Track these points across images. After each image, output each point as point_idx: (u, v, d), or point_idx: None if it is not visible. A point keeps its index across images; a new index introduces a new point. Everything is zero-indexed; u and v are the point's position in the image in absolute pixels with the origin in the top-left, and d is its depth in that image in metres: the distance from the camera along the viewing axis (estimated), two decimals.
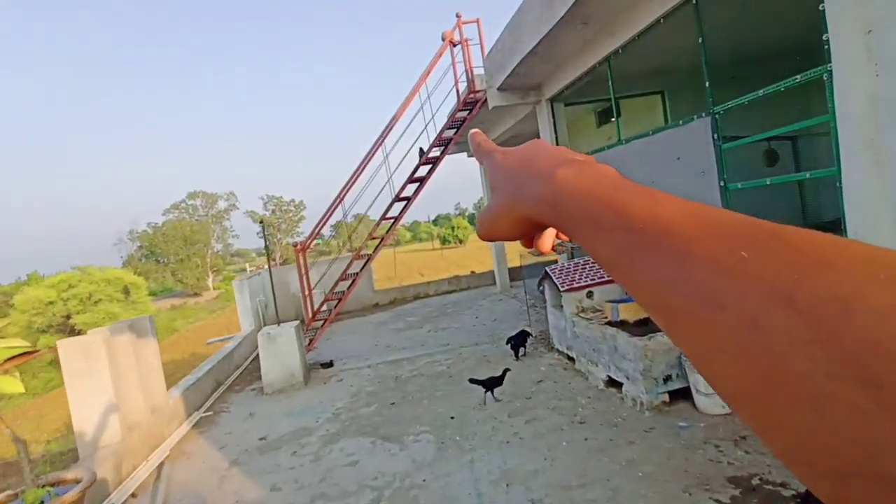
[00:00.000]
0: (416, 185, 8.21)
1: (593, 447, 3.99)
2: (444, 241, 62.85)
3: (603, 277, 5.98)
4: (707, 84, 4.16)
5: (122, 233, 66.68)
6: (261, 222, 6.86)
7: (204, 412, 6.34)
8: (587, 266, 6.17)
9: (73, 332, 36.20)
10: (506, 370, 5.46)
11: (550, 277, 6.15)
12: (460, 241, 62.34)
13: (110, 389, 4.73)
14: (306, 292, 7.88)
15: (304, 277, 8.10)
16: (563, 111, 7.69)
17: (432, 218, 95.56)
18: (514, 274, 12.55)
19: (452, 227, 64.20)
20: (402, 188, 8.14)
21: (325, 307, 8.06)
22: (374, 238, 8.15)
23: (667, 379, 4.46)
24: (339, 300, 7.83)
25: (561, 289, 5.90)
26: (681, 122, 4.56)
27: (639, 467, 3.62)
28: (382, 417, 5.28)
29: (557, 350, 6.44)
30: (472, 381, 5.46)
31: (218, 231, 67.10)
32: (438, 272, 40.98)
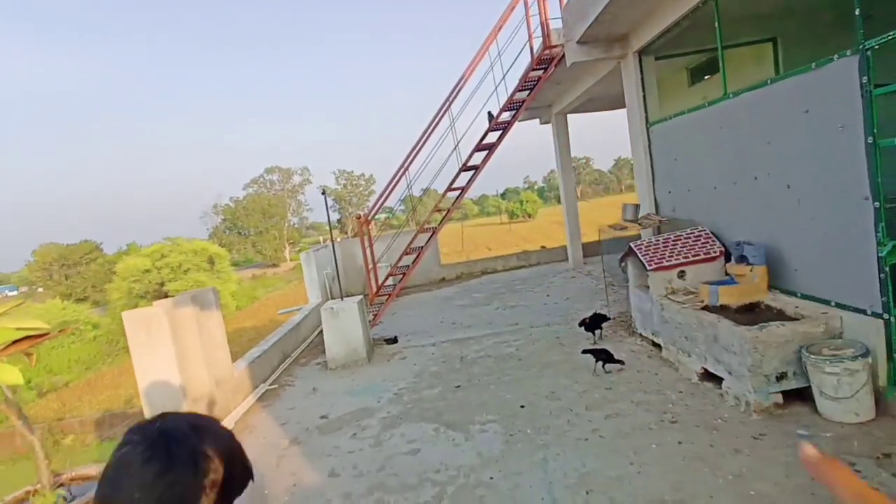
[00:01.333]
0: (485, 152, 7.67)
1: (689, 453, 3.40)
2: (512, 215, 61.70)
3: (698, 255, 5.23)
4: (857, 11, 3.28)
5: (207, 206, 71.21)
6: (323, 192, 6.61)
7: (270, 385, 6.32)
8: (678, 242, 5.42)
9: (167, 297, 39.28)
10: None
11: (635, 254, 5.46)
12: (529, 216, 60.97)
13: (173, 362, 4.71)
14: (370, 266, 7.65)
15: (369, 250, 7.87)
16: (653, 66, 6.79)
17: (500, 191, 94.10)
18: (589, 249, 11.78)
19: (521, 201, 62.82)
20: (470, 156, 7.64)
21: (389, 282, 7.82)
22: (439, 210, 7.75)
23: (780, 377, 3.74)
24: (404, 275, 7.54)
25: (648, 267, 5.22)
26: (813, 65, 3.70)
27: (749, 484, 3.01)
28: (446, 402, 4.94)
29: (640, 335, 5.79)
30: (586, 351, 5.29)
31: (293, 205, 70.08)
32: (506, 247, 40.27)
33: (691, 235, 5.47)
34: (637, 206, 6.43)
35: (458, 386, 5.31)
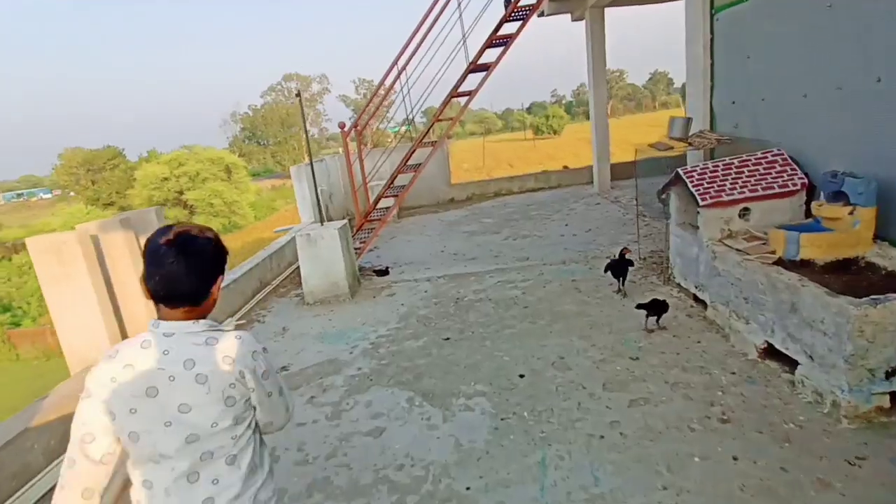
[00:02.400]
0: (500, 48, 6.11)
1: (751, 481, 2.35)
2: (537, 130, 58.57)
3: (770, 187, 3.88)
4: None
5: (226, 114, 69.34)
6: (298, 94, 5.31)
7: (237, 320, 5.43)
8: (744, 169, 4.05)
9: (186, 206, 39.15)
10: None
11: (684, 183, 4.14)
12: (554, 132, 57.84)
13: (93, 297, 3.75)
14: (357, 186, 6.46)
15: (360, 165, 6.64)
16: None
17: (526, 105, 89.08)
18: (617, 172, 10.30)
19: (547, 116, 59.36)
20: (480, 52, 6.09)
21: (384, 204, 6.65)
22: (440, 120, 6.35)
23: (891, 373, 2.58)
24: (397, 196, 6.34)
25: (700, 201, 3.92)
26: None
27: None
28: (430, 360, 3.94)
29: (679, 285, 4.60)
30: (607, 267, 4.82)
31: (312, 115, 67.70)
32: (529, 165, 38.28)
33: (762, 161, 4.09)
34: (689, 121, 4.99)
35: (448, 338, 4.29)
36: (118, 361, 1.17)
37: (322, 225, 5.82)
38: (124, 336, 3.94)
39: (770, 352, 3.26)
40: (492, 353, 3.91)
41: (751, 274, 3.40)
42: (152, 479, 1.19)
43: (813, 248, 3.30)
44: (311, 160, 6.03)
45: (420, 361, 3.93)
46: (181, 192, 38.95)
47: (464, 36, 5.93)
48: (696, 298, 4.29)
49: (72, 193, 55.69)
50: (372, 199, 6.64)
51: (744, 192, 3.91)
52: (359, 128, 6.64)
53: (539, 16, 9.69)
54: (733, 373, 3.21)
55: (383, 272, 6.37)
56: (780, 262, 3.36)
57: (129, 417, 1.15)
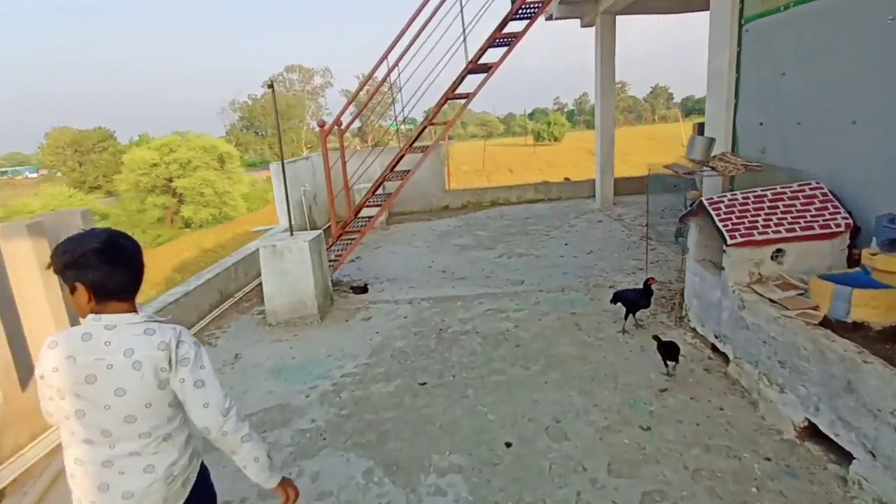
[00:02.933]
0: (503, 48, 5.50)
1: None
2: (538, 136, 58.15)
3: (810, 227, 3.30)
4: None
5: (225, 103, 68.45)
6: (270, 86, 4.68)
7: None
8: (778, 203, 3.47)
9: (175, 194, 38.31)
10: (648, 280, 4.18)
11: (708, 215, 3.55)
12: (555, 139, 57.50)
13: None
14: (336, 193, 5.83)
15: (343, 167, 6.00)
16: None
17: (529, 111, 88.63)
18: (620, 187, 9.73)
19: (549, 123, 58.96)
20: (482, 52, 5.49)
21: (364, 213, 6.02)
22: (432, 124, 5.73)
23: None
24: (382, 205, 5.71)
25: (728, 239, 3.33)
26: None
27: None
28: (399, 413, 3.32)
29: (694, 330, 4.02)
30: (615, 297, 4.36)
31: (313, 108, 66.89)
32: (528, 170, 37.80)
33: (798, 195, 3.51)
34: (711, 141, 4.40)
35: (424, 383, 3.67)
36: (59, 352, 1.31)
37: (291, 235, 5.19)
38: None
39: (812, 432, 2.68)
40: (474, 408, 3.29)
41: (790, 334, 2.81)
42: (88, 457, 1.35)
43: (868, 308, 2.72)
44: (282, 159, 5.40)
45: (388, 414, 3.30)
46: (170, 180, 38.02)
47: (464, 32, 5.32)
48: (714, 349, 3.70)
49: (58, 174, 54.55)
50: (357, 204, 6.01)
51: (779, 231, 3.32)
52: (342, 126, 6.00)
53: (547, 19, 9.12)
54: (768, 458, 2.61)
55: (361, 289, 5.74)
56: (825, 323, 2.77)
57: (75, 399, 1.31)
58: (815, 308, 2.90)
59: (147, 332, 1.34)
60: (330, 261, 5.76)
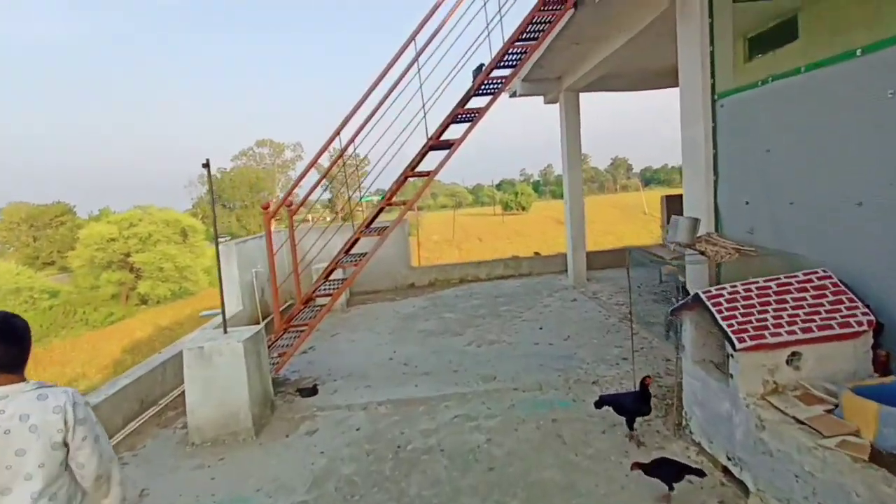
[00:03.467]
0: (466, 123, 5.16)
1: None
2: (506, 206, 59.41)
3: (826, 327, 2.80)
4: None
5: (193, 175, 68.06)
6: (205, 165, 4.11)
7: None
8: (784, 296, 2.99)
9: (132, 269, 36.72)
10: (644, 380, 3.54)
11: (707, 311, 3.04)
12: (523, 209, 58.83)
13: None
14: (286, 277, 5.17)
15: (292, 248, 5.39)
16: (729, 8, 4.29)
17: (496, 182, 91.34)
18: (592, 261, 9.36)
19: (516, 193, 60.52)
20: (443, 127, 5.13)
21: (311, 306, 5.33)
22: (391, 205, 5.23)
23: None
24: (331, 295, 5.05)
25: (736, 343, 2.79)
26: None
27: None
28: None
29: (699, 444, 3.38)
30: (601, 402, 3.74)
31: (283, 180, 67.18)
32: (498, 239, 37.98)
33: (806, 285, 3.05)
34: (696, 222, 4.01)
35: None
36: None
37: (225, 332, 4.45)
38: None
39: None
40: None
41: (834, 472, 2.21)
42: None
43: None
44: (216, 236, 4.75)
45: None
46: (128, 255, 36.59)
47: (423, 108, 4.97)
48: (727, 471, 3.06)
49: (11, 249, 52.22)
50: (305, 293, 5.32)
51: (793, 332, 2.81)
52: (292, 206, 5.46)
53: (510, 96, 9.08)
54: None
55: (310, 391, 4.94)
56: (873, 455, 2.20)
57: None
58: (856, 433, 2.33)
59: (40, 398, 1.54)
60: (273, 359, 5.00)
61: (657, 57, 7.56)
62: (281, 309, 8.78)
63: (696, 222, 4.00)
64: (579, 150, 8.63)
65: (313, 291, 5.14)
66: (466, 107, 5.06)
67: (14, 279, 33.77)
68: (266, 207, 5.12)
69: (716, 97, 4.33)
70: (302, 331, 5.08)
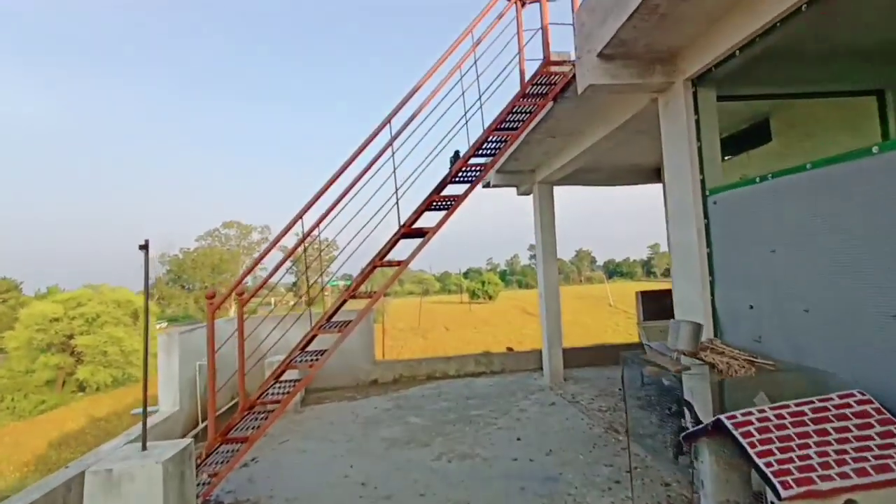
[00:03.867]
0: (442, 211, 4.78)
1: None
2: (473, 295, 59.25)
3: (884, 468, 2.28)
4: None
5: (153, 255, 66.00)
6: (142, 247, 3.48)
7: None
8: (823, 424, 2.48)
9: (73, 352, 33.89)
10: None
11: (733, 439, 2.48)
12: (489, 297, 58.71)
13: None
14: (228, 377, 4.37)
15: (240, 342, 4.65)
16: (714, 107, 4.21)
17: (463, 270, 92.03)
18: (569, 358, 8.79)
19: (483, 282, 60.67)
20: (417, 214, 4.73)
21: (256, 411, 4.51)
22: (355, 297, 4.64)
23: None
24: (280, 401, 4.26)
25: (781, 491, 2.21)
26: None
27: None
28: None
29: None
30: None
31: (248, 262, 65.69)
32: (464, 327, 37.20)
33: (844, 410, 2.56)
34: (699, 328, 3.57)
35: None
36: None
37: (144, 449, 3.58)
38: None
39: None
40: None
41: None
42: None
43: None
44: (146, 328, 4.00)
45: None
46: (71, 336, 33.92)
47: (396, 193, 4.58)
48: None
49: None
50: (243, 403, 4.50)
51: (845, 473, 2.26)
52: (243, 295, 4.80)
53: (484, 186, 8.95)
54: None
55: None
56: None
57: None
58: None
59: None
60: (203, 482, 4.07)
61: (633, 153, 7.61)
62: (226, 407, 7.76)
63: (699, 328, 3.55)
64: (554, 244, 8.39)
65: (259, 396, 4.35)
66: (442, 194, 4.70)
67: None
68: (211, 297, 4.45)
69: (707, 193, 4.10)
70: (239, 448, 4.21)
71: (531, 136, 6.47)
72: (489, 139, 4.75)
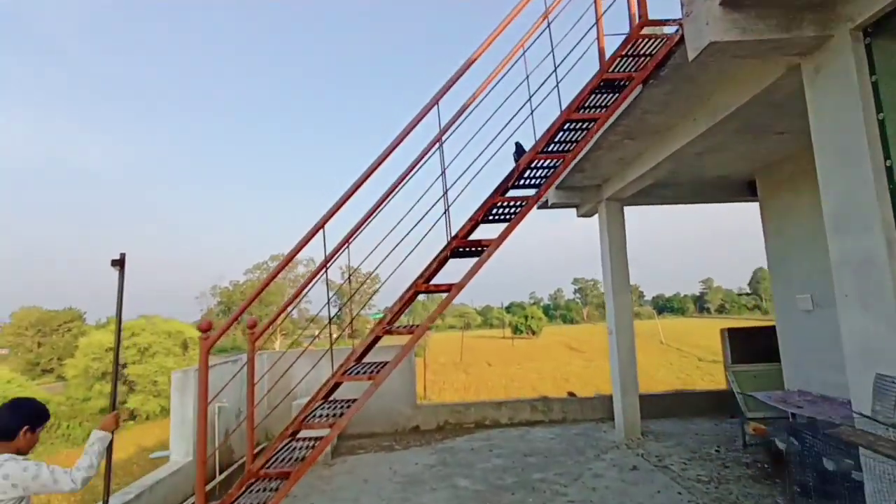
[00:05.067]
0: (503, 223, 3.60)
1: None
2: (516, 329, 57.17)
3: None
4: None
5: (205, 287, 67.63)
6: (114, 263, 2.46)
7: None
8: None
9: (126, 381, 34.21)
10: None
11: None
12: (533, 332, 56.44)
13: None
14: (239, 424, 3.24)
15: (249, 382, 3.56)
16: None
17: (505, 304, 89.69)
18: (645, 406, 7.23)
19: (526, 317, 58.58)
20: (472, 223, 3.56)
21: (256, 486, 3.33)
22: (391, 331, 3.43)
23: None
24: (288, 474, 3.08)
25: None
26: None
27: None
28: None
29: None
30: None
31: (292, 295, 66.20)
32: (507, 363, 35.29)
33: None
34: None
35: None
36: None
37: None
38: None
39: None
40: None
41: None
42: None
43: None
44: (116, 359, 2.98)
45: None
46: (124, 366, 34.33)
47: (445, 194, 3.41)
48: None
49: (3, 351, 50.70)
50: (275, 445, 3.34)
51: None
52: (254, 330, 3.73)
53: (540, 207, 7.74)
54: None
55: None
56: None
57: None
58: None
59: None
60: None
61: (724, 162, 6.28)
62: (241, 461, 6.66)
63: None
64: (626, 270, 7.02)
65: (264, 465, 3.18)
66: (505, 195, 3.52)
67: (4, 387, 31.30)
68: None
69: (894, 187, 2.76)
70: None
71: (605, 139, 5.27)
72: (566, 125, 3.57)
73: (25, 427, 2.36)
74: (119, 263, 3.00)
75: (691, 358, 32.02)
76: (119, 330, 3.19)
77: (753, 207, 6.93)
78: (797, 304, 5.96)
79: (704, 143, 4.77)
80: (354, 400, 3.42)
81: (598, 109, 4.08)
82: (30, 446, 2.40)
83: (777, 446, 5.41)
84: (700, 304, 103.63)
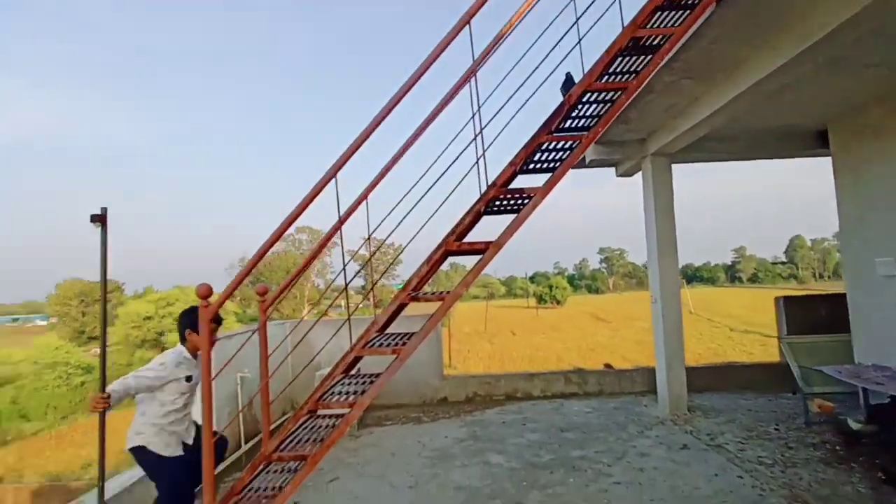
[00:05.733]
0: (548, 171, 3.02)
1: None
2: (540, 299, 56.60)
3: None
4: None
5: (234, 259, 68.72)
6: (93, 219, 2.00)
7: None
8: None
9: (163, 349, 35.23)
10: None
11: None
12: (557, 302, 55.80)
13: None
14: (246, 405, 2.85)
15: (262, 351, 3.14)
16: None
17: (529, 274, 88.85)
18: (696, 379, 6.67)
19: (550, 286, 57.88)
20: (513, 168, 2.97)
21: (273, 468, 2.93)
22: (417, 298, 2.91)
23: None
24: (306, 457, 2.67)
25: None
26: None
27: None
28: None
29: None
30: None
31: (319, 266, 66.89)
32: (532, 333, 34.87)
33: None
34: None
35: None
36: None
37: None
38: None
39: None
40: None
41: None
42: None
43: None
44: (103, 314, 2.60)
45: None
46: (161, 334, 35.32)
47: (479, 135, 2.83)
48: None
49: (52, 320, 53.21)
50: (288, 427, 2.94)
51: None
52: (265, 297, 3.30)
53: (576, 166, 7.04)
54: None
55: None
56: None
57: None
58: None
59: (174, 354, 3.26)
60: None
61: (791, 108, 5.48)
62: (279, 422, 6.39)
63: None
64: (673, 233, 6.33)
65: (278, 447, 2.78)
66: (552, 130, 2.92)
67: (52, 353, 32.57)
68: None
69: None
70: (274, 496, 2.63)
71: (658, 79, 4.55)
72: (629, 43, 2.89)
73: (187, 330, 3.05)
74: (101, 219, 2.56)
75: (722, 328, 31.01)
76: (104, 291, 2.79)
77: (784, 167, 6.12)
78: (876, 269, 5.22)
79: (779, 79, 4.03)
80: (377, 375, 2.97)
81: (680, 12, 3.36)
82: (196, 346, 2.90)
83: (849, 426, 4.81)
84: (732, 274, 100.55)
